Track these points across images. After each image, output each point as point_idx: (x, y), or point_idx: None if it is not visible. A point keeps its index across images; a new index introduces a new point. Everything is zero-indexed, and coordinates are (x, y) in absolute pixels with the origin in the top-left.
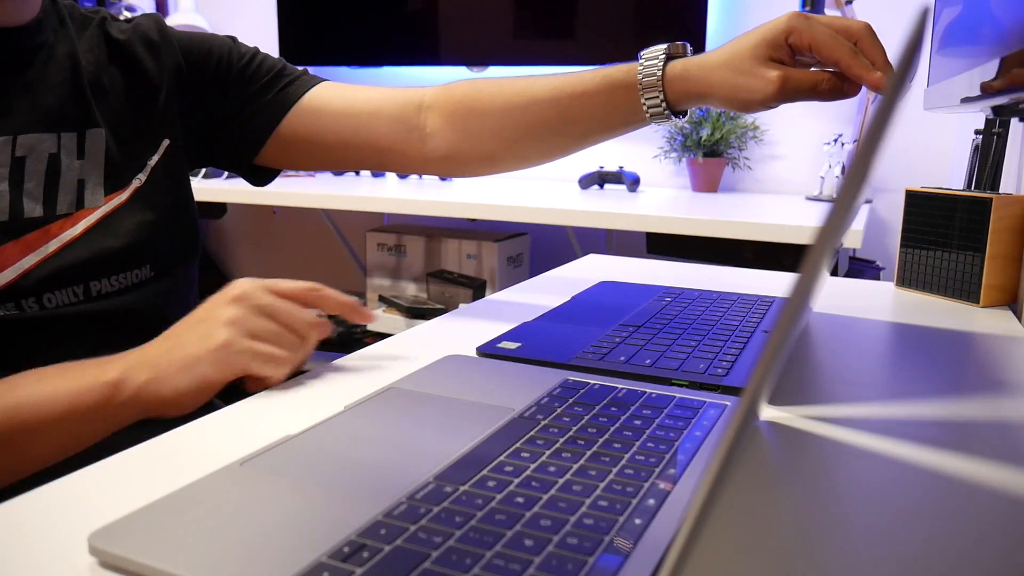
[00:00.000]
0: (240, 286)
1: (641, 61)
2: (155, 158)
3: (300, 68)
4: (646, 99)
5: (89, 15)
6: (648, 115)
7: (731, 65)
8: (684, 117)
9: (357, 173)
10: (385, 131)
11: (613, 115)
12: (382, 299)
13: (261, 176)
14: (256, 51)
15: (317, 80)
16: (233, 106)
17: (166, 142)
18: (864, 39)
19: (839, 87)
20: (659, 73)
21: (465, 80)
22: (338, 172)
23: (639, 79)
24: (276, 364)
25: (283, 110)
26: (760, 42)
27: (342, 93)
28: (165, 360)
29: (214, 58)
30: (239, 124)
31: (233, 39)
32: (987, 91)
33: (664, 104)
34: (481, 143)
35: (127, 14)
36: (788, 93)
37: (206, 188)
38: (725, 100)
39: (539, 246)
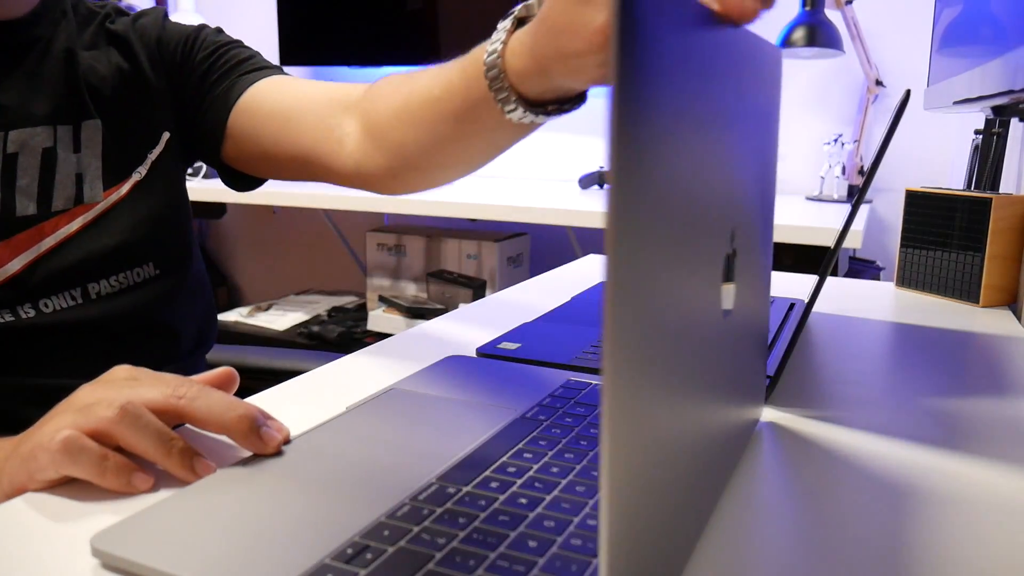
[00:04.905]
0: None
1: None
2: (156, 151)
3: (273, 64)
4: (497, 96)
5: (96, 10)
6: (508, 116)
7: None
8: (570, 108)
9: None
10: (304, 137)
11: (476, 123)
12: (382, 299)
13: (241, 181)
14: (229, 43)
15: (269, 74)
16: (196, 94)
17: (166, 135)
18: None
19: None
20: (500, 48)
21: (393, 75)
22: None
23: (484, 68)
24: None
25: (227, 106)
26: None
27: (279, 88)
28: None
29: (181, 44)
30: (200, 115)
31: (217, 30)
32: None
33: (515, 98)
34: (386, 152)
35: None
36: None
37: (206, 188)
38: (560, 38)
39: (539, 246)
